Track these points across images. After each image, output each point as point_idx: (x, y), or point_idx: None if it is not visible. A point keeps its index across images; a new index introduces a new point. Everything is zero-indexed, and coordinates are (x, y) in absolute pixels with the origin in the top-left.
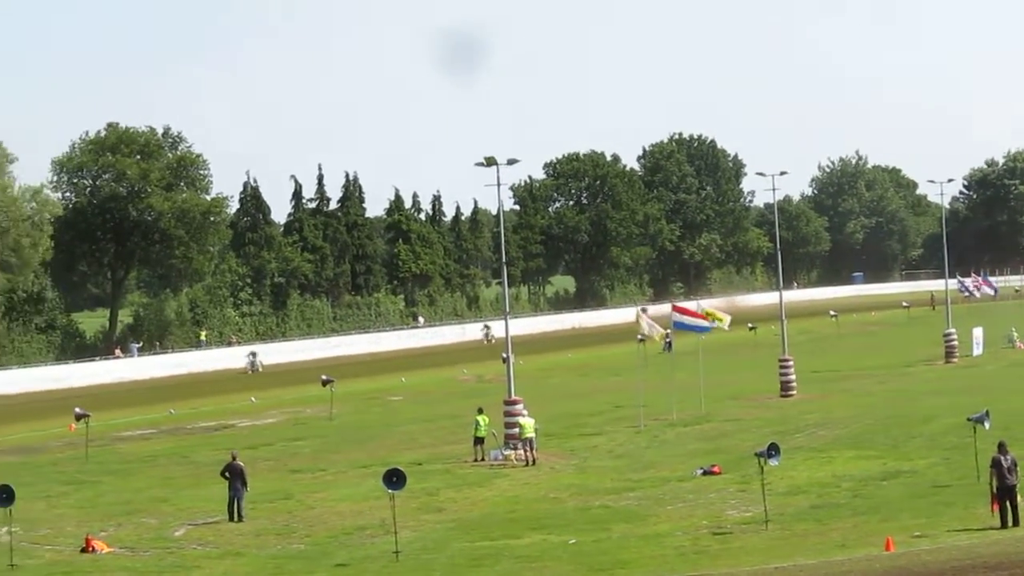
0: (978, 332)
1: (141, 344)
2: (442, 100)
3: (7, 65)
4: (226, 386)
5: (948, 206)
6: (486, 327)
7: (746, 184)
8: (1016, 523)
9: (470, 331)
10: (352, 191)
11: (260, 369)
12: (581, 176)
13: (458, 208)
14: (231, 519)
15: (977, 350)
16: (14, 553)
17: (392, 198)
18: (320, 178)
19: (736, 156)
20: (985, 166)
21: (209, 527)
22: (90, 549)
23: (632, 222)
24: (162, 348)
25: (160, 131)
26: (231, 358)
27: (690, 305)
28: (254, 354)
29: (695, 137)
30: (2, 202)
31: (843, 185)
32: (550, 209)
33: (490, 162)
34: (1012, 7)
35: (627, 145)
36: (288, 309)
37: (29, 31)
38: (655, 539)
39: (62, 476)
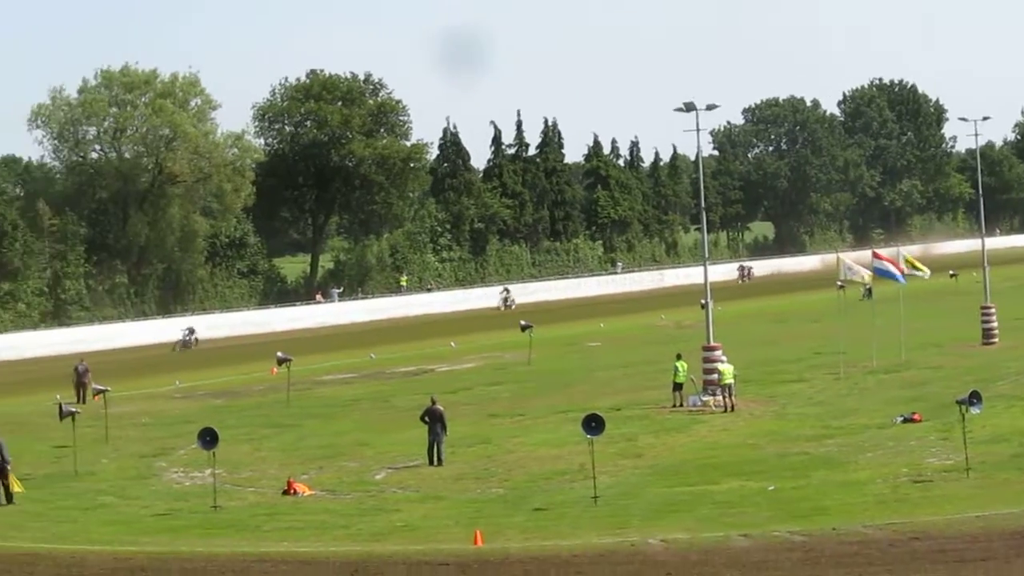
0: None
1: (342, 289)
2: (641, 44)
3: (210, 11)
4: (425, 331)
5: None
6: (505, 290)
7: (947, 130)
8: None
9: (668, 277)
10: (551, 137)
11: (512, 307)
12: (780, 122)
13: (656, 154)
14: (431, 463)
15: None
16: (218, 495)
17: (591, 144)
18: (519, 124)
19: (937, 101)
20: None
21: (409, 471)
22: (292, 491)
23: (832, 168)
24: (362, 293)
25: (361, 77)
26: (429, 303)
27: (890, 253)
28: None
29: (896, 82)
30: (205, 148)
31: None
32: (749, 155)
33: (689, 107)
34: None
35: (826, 90)
36: (487, 255)
37: None
38: (854, 486)
39: (265, 419)
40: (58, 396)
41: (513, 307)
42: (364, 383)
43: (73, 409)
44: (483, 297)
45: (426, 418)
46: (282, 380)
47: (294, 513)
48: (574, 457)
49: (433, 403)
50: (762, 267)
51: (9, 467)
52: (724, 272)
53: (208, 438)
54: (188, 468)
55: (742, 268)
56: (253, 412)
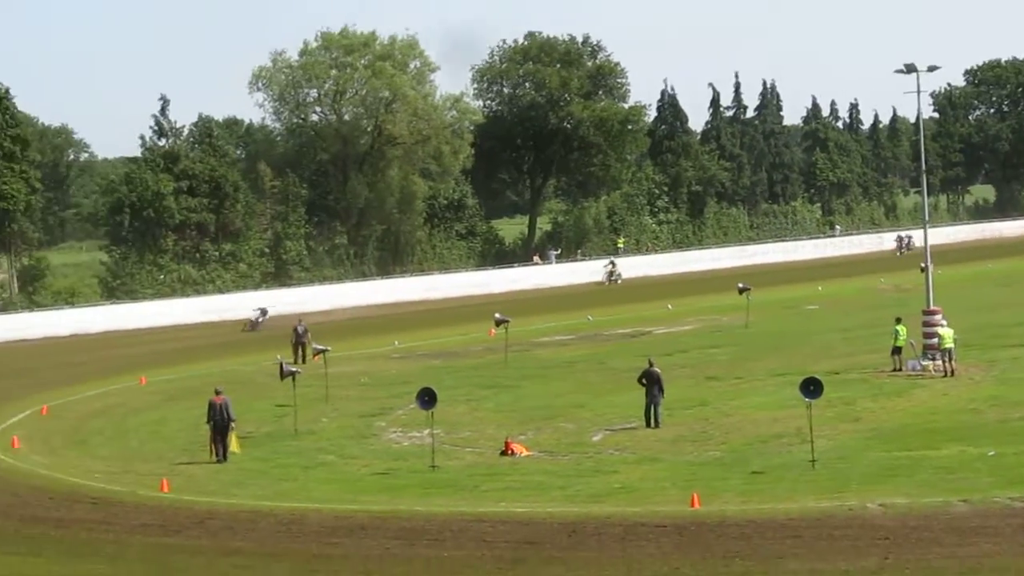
0: None
1: (559, 251)
2: (861, 5)
3: None
4: (642, 293)
5: None
6: (611, 263)
7: None
8: None
9: (887, 240)
10: (769, 99)
11: (618, 281)
12: (1003, 83)
13: (876, 116)
14: (648, 425)
15: None
16: (436, 454)
17: (809, 106)
18: (737, 86)
19: None
20: None
21: (626, 432)
22: (510, 452)
23: None
24: (580, 255)
25: (579, 40)
26: (644, 266)
27: None
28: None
29: None
30: (424, 110)
31: None
32: (970, 117)
33: (909, 69)
34: None
35: None
36: (704, 217)
37: None
38: None
39: (482, 380)
40: (279, 356)
41: (619, 281)
42: (581, 345)
43: (294, 369)
44: (700, 260)
45: (643, 380)
46: (500, 341)
47: (512, 474)
48: (791, 421)
49: (650, 365)
50: (984, 230)
51: (233, 425)
52: (947, 235)
53: (427, 398)
54: (407, 428)
55: (900, 239)
56: (471, 373)
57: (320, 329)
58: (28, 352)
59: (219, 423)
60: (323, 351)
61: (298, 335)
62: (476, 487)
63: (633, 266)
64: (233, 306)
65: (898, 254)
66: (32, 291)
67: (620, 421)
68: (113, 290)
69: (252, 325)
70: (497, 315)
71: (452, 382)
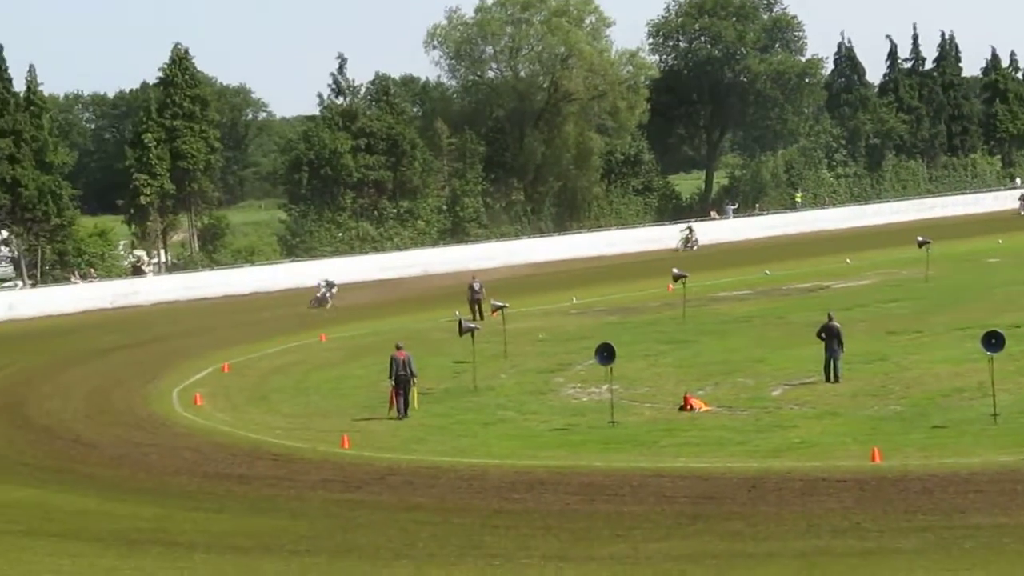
0: None
1: (736, 206)
2: None
3: None
4: (820, 247)
5: None
6: (688, 228)
7: None
8: None
9: None
10: (948, 50)
11: (695, 248)
12: None
13: None
14: (827, 379)
15: None
16: (615, 410)
17: (988, 57)
18: (915, 38)
19: None
20: None
21: (805, 387)
22: (688, 407)
23: None
24: (758, 210)
25: None
26: (824, 220)
27: None
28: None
29: None
30: (599, 66)
31: None
32: None
33: None
34: None
35: None
36: (883, 170)
37: None
38: None
39: (660, 335)
40: (457, 312)
41: (695, 248)
42: (759, 300)
43: (473, 325)
44: (878, 214)
45: (822, 335)
46: (677, 297)
47: (691, 429)
48: (973, 375)
49: (830, 319)
50: None
51: (415, 381)
52: None
53: (605, 354)
54: (585, 384)
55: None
56: (648, 328)
57: (498, 286)
58: (209, 310)
59: (401, 378)
60: (501, 307)
61: (474, 292)
62: (655, 442)
63: (810, 220)
64: (413, 262)
65: (1021, 213)
66: (212, 250)
67: (799, 376)
68: (292, 248)
69: (318, 301)
70: (675, 270)
71: (630, 338)
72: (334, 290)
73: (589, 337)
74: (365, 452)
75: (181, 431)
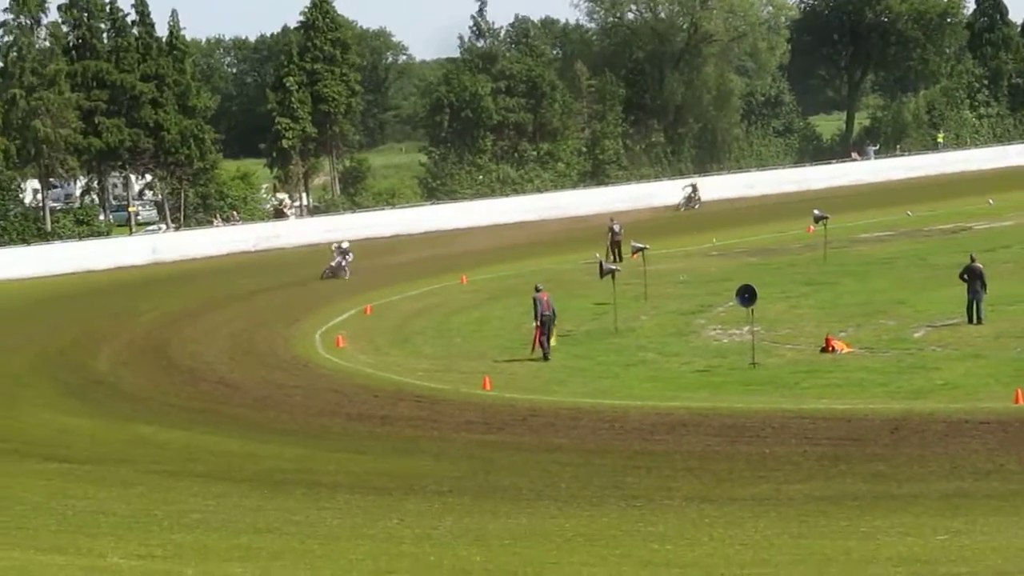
0: None
1: (878, 147)
2: None
3: None
4: (962, 188)
5: None
6: (691, 186)
7: None
8: None
9: None
10: None
11: (697, 207)
12: None
13: None
14: (970, 321)
15: None
16: (756, 351)
17: None
18: None
19: None
20: None
21: (948, 329)
22: (830, 349)
23: None
24: (899, 151)
25: None
26: (966, 160)
27: None
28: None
29: None
30: (739, 7)
31: None
32: None
33: None
34: None
35: None
36: None
37: None
38: None
39: (801, 277)
40: (597, 254)
41: (697, 207)
42: (900, 241)
43: (613, 267)
44: (1022, 154)
45: (965, 276)
46: (818, 238)
47: (832, 370)
48: None
49: (972, 261)
50: None
51: (555, 322)
52: None
53: (746, 295)
54: (726, 325)
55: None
56: (789, 270)
57: (638, 227)
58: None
59: (546, 319)
60: (641, 249)
61: (614, 233)
62: (796, 384)
63: (952, 161)
64: (553, 204)
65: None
66: (353, 192)
67: (941, 317)
68: (433, 190)
69: (332, 271)
70: (816, 211)
71: (770, 279)
72: (349, 257)
73: (730, 279)
74: (507, 394)
75: (324, 373)
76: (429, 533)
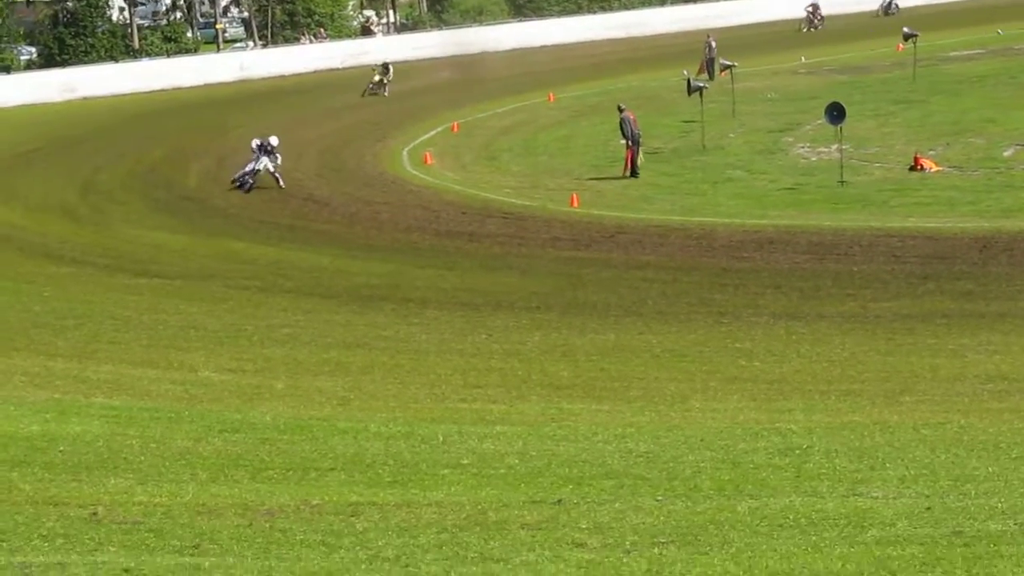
0: None
1: None
2: None
3: None
4: None
5: None
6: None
7: None
8: None
9: None
10: None
11: (819, 26)
12: None
13: None
14: None
15: None
16: (844, 170)
17: None
18: None
19: None
20: None
21: None
22: (919, 167)
23: None
24: None
25: None
26: None
27: None
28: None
29: None
30: None
31: None
32: None
33: None
34: None
35: None
36: None
37: None
38: None
39: (890, 95)
40: (685, 71)
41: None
42: (991, 59)
43: (701, 84)
44: None
45: None
46: (908, 56)
47: (921, 189)
48: None
49: None
50: None
51: (641, 140)
52: None
53: (835, 113)
54: (814, 143)
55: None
56: (878, 88)
57: (727, 44)
58: (436, 70)
59: (635, 137)
60: (730, 66)
61: (710, 50)
62: (885, 202)
63: None
64: (642, 21)
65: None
66: (440, 10)
67: None
68: (520, 7)
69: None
70: (905, 29)
71: (859, 97)
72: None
73: (818, 96)
74: (594, 211)
75: (411, 189)
76: (517, 348)
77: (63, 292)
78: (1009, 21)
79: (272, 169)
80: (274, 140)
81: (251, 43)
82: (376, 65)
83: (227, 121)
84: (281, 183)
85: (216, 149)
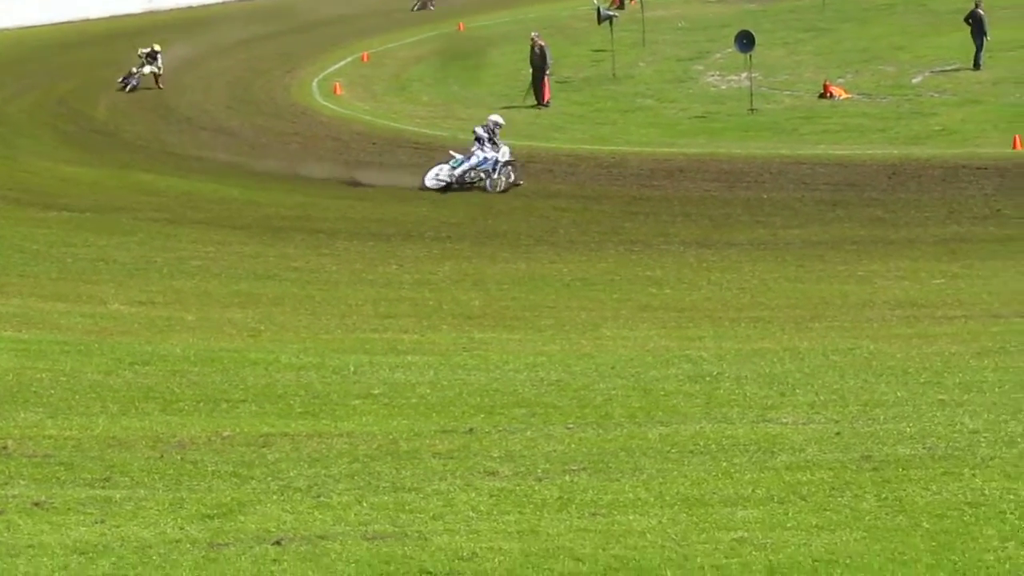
0: None
1: None
2: None
3: None
4: None
5: None
6: None
7: None
8: None
9: None
10: None
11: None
12: None
13: None
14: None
15: None
16: (754, 98)
17: None
18: None
19: None
20: None
21: (947, 75)
22: (828, 95)
23: None
24: None
25: None
26: None
27: None
28: None
29: None
30: None
31: None
32: None
33: None
34: None
35: None
36: None
37: None
38: None
39: (800, 23)
40: (595, 0)
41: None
42: None
43: (611, 13)
44: None
45: (969, 20)
46: None
47: (831, 116)
48: None
49: (976, 6)
50: None
51: (549, 72)
52: None
53: (745, 41)
54: (724, 72)
55: None
56: (788, 16)
57: None
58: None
59: (539, 67)
60: None
61: None
62: (795, 130)
63: None
64: None
65: None
66: None
67: (940, 63)
68: None
69: (421, 4)
70: None
71: (769, 25)
72: None
73: (728, 25)
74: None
75: (322, 120)
76: (428, 278)
77: None
78: None
79: (157, 72)
80: (157, 47)
81: None
82: None
83: (135, 54)
84: (161, 85)
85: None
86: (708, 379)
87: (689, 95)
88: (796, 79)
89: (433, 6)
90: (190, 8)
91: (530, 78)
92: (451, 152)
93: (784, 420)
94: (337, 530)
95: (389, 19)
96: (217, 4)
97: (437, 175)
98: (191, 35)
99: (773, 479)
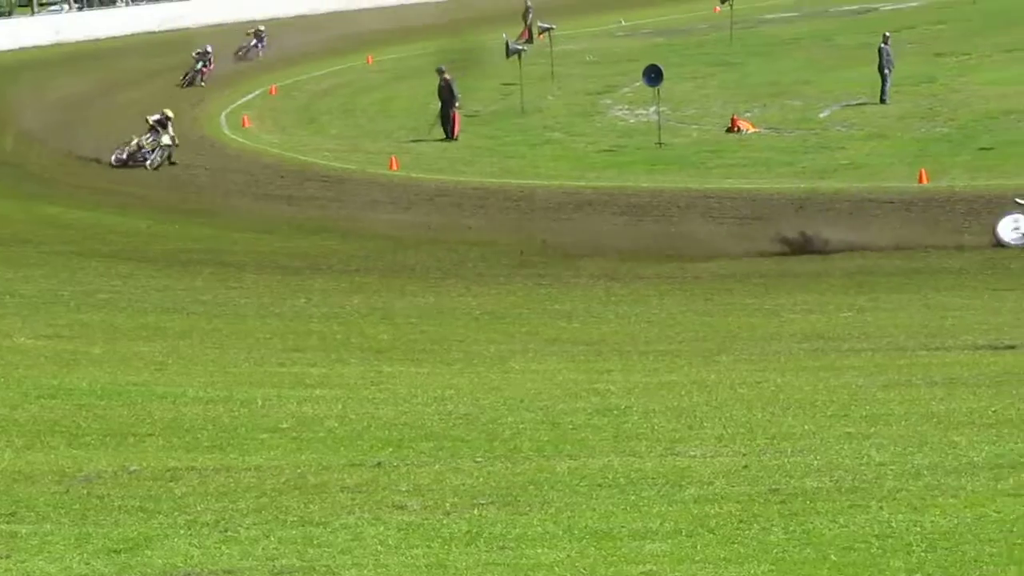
0: None
1: None
2: None
3: None
4: None
5: None
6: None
7: None
8: None
9: None
10: None
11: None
12: None
13: None
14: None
15: None
16: (662, 131)
17: None
18: None
19: None
20: None
21: (853, 109)
22: (735, 129)
23: None
24: None
25: None
26: None
27: None
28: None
29: None
30: None
31: None
32: None
33: None
34: None
35: None
36: None
37: None
38: None
39: (708, 57)
40: (505, 34)
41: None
42: (807, 21)
43: (519, 47)
44: None
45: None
46: (725, 18)
47: (738, 150)
48: (1021, 97)
49: (884, 41)
50: None
51: (458, 105)
52: None
53: (653, 75)
54: (633, 105)
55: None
56: (696, 50)
57: (545, 6)
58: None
59: (447, 101)
60: (548, 29)
61: (528, 11)
62: (703, 163)
63: None
64: None
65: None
66: None
67: (848, 97)
68: None
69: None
70: None
71: (677, 60)
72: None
73: (636, 59)
74: (414, 173)
75: (230, 153)
76: (336, 312)
77: None
78: None
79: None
80: (169, 113)
81: (66, 5)
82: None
83: (42, 87)
84: (173, 159)
85: (31, 115)
86: (616, 412)
87: (598, 129)
88: (704, 113)
89: (204, 83)
90: (97, 40)
91: (438, 111)
92: None
93: (692, 453)
94: (245, 564)
95: (297, 53)
96: (126, 35)
97: None
98: (98, 66)
99: (681, 512)
